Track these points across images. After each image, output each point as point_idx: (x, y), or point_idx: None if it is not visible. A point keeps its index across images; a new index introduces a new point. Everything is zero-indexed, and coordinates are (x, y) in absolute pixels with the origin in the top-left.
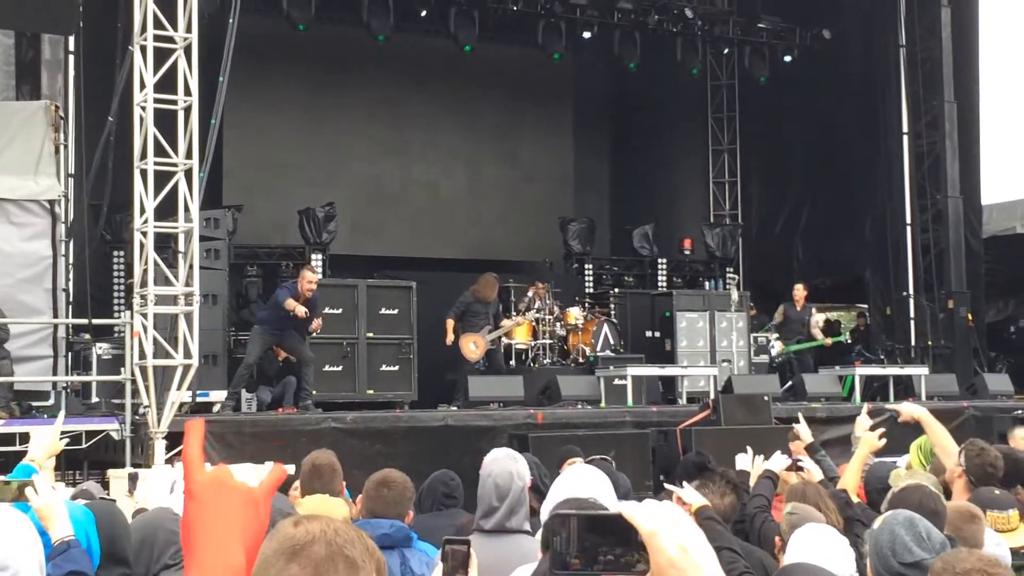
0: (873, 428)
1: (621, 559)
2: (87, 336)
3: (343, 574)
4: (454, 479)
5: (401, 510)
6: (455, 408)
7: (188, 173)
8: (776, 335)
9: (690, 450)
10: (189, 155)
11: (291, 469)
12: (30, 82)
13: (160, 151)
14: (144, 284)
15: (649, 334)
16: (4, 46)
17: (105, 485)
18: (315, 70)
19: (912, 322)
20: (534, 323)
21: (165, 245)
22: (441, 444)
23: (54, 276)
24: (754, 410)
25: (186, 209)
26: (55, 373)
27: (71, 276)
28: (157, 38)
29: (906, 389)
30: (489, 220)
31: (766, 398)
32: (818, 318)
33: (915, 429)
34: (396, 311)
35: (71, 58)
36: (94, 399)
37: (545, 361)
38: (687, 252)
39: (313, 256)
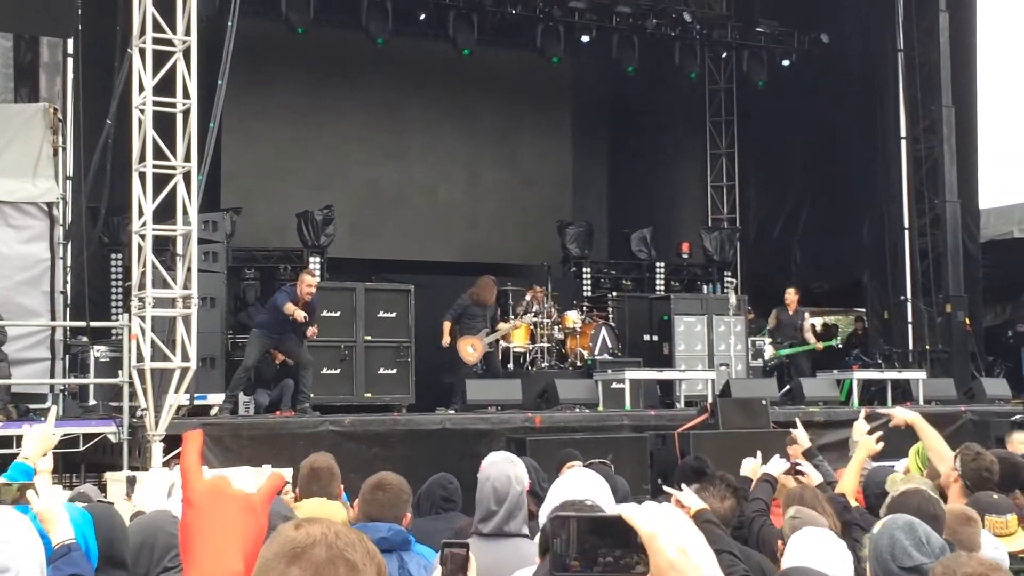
0: (871, 432)
1: (621, 561)
2: (85, 339)
3: None
4: (452, 482)
5: (398, 512)
6: (453, 411)
7: (186, 176)
8: (769, 339)
9: (688, 454)
10: (187, 158)
11: (288, 473)
12: (29, 84)
13: (158, 154)
14: (142, 287)
15: (647, 338)
16: (3, 48)
17: (102, 488)
18: (314, 73)
19: (910, 326)
20: (532, 326)
21: (163, 248)
22: (439, 447)
23: (52, 279)
24: (752, 414)
25: (184, 212)
26: (53, 376)
27: (69, 279)
28: (156, 41)
29: (904, 393)
30: (487, 223)
31: (764, 402)
32: (813, 322)
33: (913, 433)
34: (394, 314)
35: (70, 61)
36: (92, 402)
37: (543, 365)
38: (685, 256)
39: (311, 259)
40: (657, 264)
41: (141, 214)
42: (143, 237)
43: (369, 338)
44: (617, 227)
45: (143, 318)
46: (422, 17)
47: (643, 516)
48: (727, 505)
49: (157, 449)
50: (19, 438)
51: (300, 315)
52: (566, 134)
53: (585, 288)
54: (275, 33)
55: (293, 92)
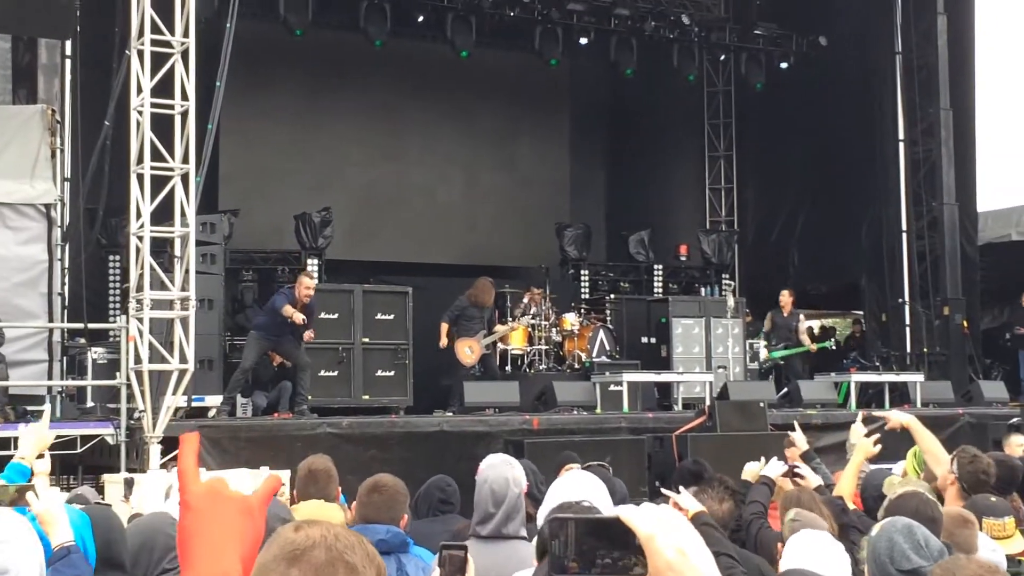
0: (868, 435)
1: (619, 562)
2: (82, 340)
3: None
4: (450, 485)
5: (394, 514)
6: (451, 414)
7: (184, 178)
8: (764, 342)
9: (686, 456)
10: (186, 160)
11: (286, 475)
12: (27, 86)
13: (157, 155)
14: (140, 288)
15: (645, 340)
16: (1, 50)
17: (100, 490)
18: (312, 75)
19: (908, 329)
20: (530, 329)
21: (161, 250)
22: (436, 450)
23: (50, 280)
24: (750, 416)
25: (182, 214)
26: (50, 377)
27: (67, 280)
28: (154, 42)
29: (901, 396)
30: (485, 225)
31: (762, 404)
32: (810, 324)
33: (910, 436)
34: (392, 316)
35: (68, 62)
36: (89, 403)
37: (541, 367)
38: (683, 258)
39: (309, 261)
40: (655, 266)
41: (139, 216)
42: (141, 239)
43: (367, 340)
44: (615, 229)
45: (141, 320)
46: (420, 19)
47: (641, 517)
48: (725, 508)
49: (155, 451)
50: (16, 440)
51: (298, 317)
52: (564, 136)
53: (583, 290)
54: (273, 35)
55: (291, 94)
